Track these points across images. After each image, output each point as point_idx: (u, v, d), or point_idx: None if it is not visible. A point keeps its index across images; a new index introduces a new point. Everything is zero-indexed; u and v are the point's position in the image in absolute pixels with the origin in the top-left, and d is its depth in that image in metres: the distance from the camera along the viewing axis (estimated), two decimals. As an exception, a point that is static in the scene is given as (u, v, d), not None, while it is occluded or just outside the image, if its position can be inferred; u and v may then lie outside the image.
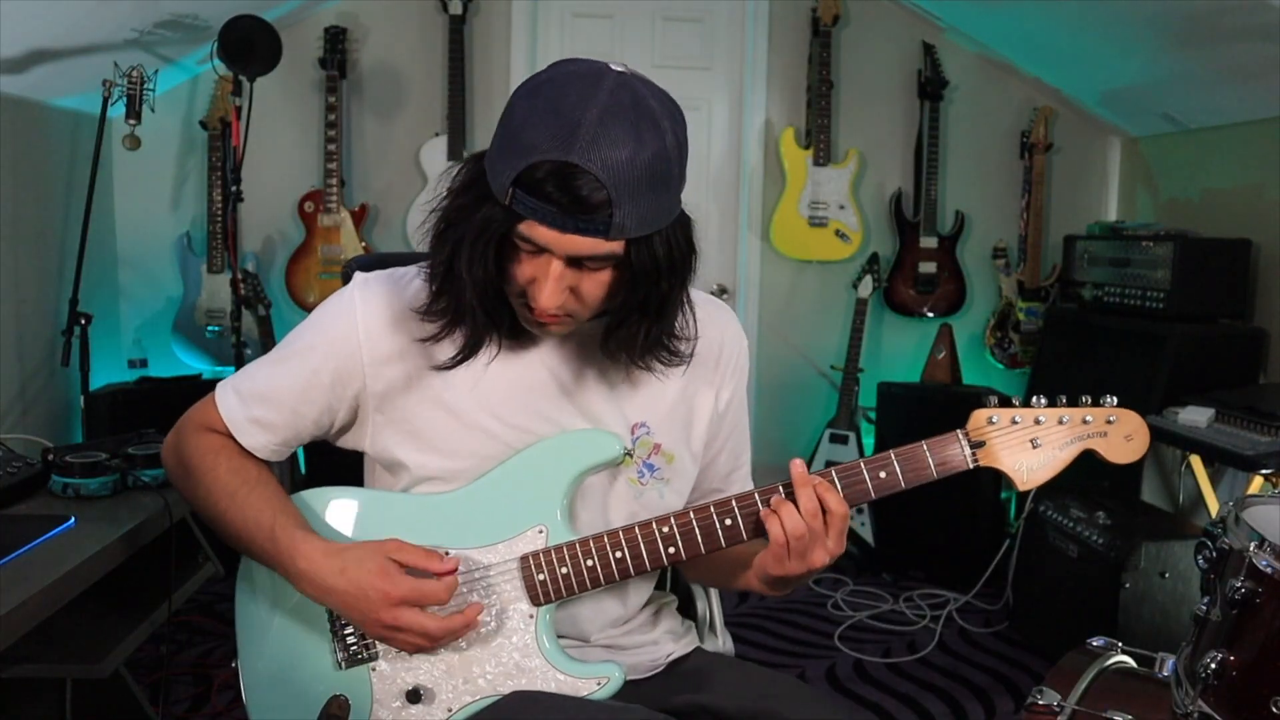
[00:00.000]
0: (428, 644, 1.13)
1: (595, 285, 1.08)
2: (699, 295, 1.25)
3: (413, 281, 1.21)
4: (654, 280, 1.09)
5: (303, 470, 2.88)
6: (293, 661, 1.21)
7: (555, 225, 1.01)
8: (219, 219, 3.47)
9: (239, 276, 3.15)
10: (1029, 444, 1.17)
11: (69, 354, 2.76)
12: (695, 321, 1.19)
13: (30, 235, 2.97)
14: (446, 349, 1.16)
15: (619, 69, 1.04)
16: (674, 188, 1.06)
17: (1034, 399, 1.18)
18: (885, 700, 2.61)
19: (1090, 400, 1.19)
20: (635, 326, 1.13)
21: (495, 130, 1.06)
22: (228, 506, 1.17)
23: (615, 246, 1.04)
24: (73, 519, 1.50)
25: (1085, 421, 1.18)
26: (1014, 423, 1.17)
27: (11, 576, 1.29)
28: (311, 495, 1.23)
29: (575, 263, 1.06)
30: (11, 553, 1.35)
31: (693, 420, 1.28)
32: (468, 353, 1.14)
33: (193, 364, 3.51)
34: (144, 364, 3.49)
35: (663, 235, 1.07)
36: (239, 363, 3.15)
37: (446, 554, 1.16)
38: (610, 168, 0.99)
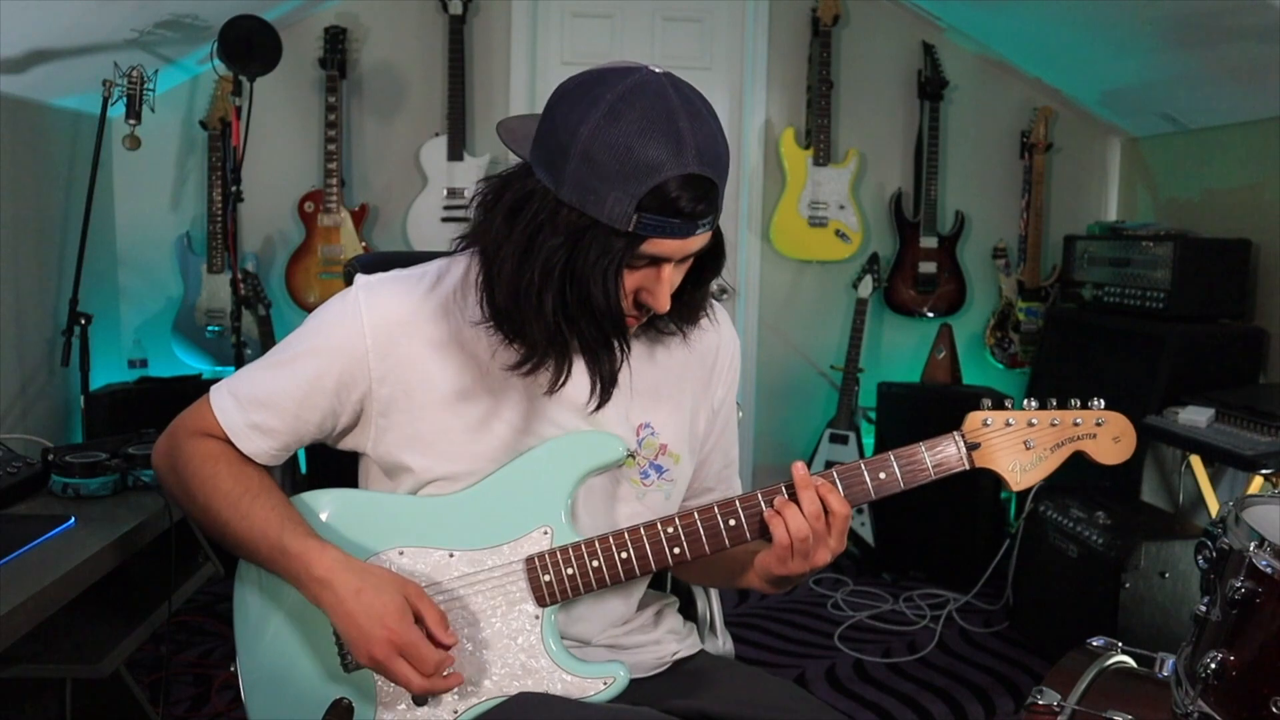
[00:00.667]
0: (403, 687, 1.12)
1: (682, 273, 1.12)
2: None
3: (421, 284, 1.20)
4: (721, 252, 1.16)
5: (303, 471, 2.88)
6: (294, 663, 1.20)
7: (681, 235, 1.04)
8: (219, 219, 3.47)
9: (239, 276, 3.15)
10: (1022, 445, 1.19)
11: (69, 354, 2.76)
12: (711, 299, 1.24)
13: (30, 235, 2.97)
14: (532, 379, 1.15)
15: (656, 69, 1.06)
16: None
17: (1026, 402, 1.21)
18: (885, 700, 2.61)
19: (1080, 403, 1.21)
20: (699, 298, 1.19)
21: (570, 165, 1.02)
22: (231, 515, 1.15)
23: (711, 235, 1.10)
24: (73, 519, 1.51)
25: (1075, 424, 1.20)
26: (1008, 425, 1.19)
27: (11, 576, 1.29)
28: (312, 497, 1.22)
29: (680, 261, 1.09)
30: (11, 553, 1.35)
31: (694, 420, 1.29)
32: (609, 386, 1.14)
33: (193, 364, 3.51)
34: (144, 364, 3.50)
35: None
36: (239, 363, 3.15)
37: (451, 556, 1.16)
38: (715, 163, 1.03)
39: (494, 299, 1.11)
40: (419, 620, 1.10)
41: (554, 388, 1.13)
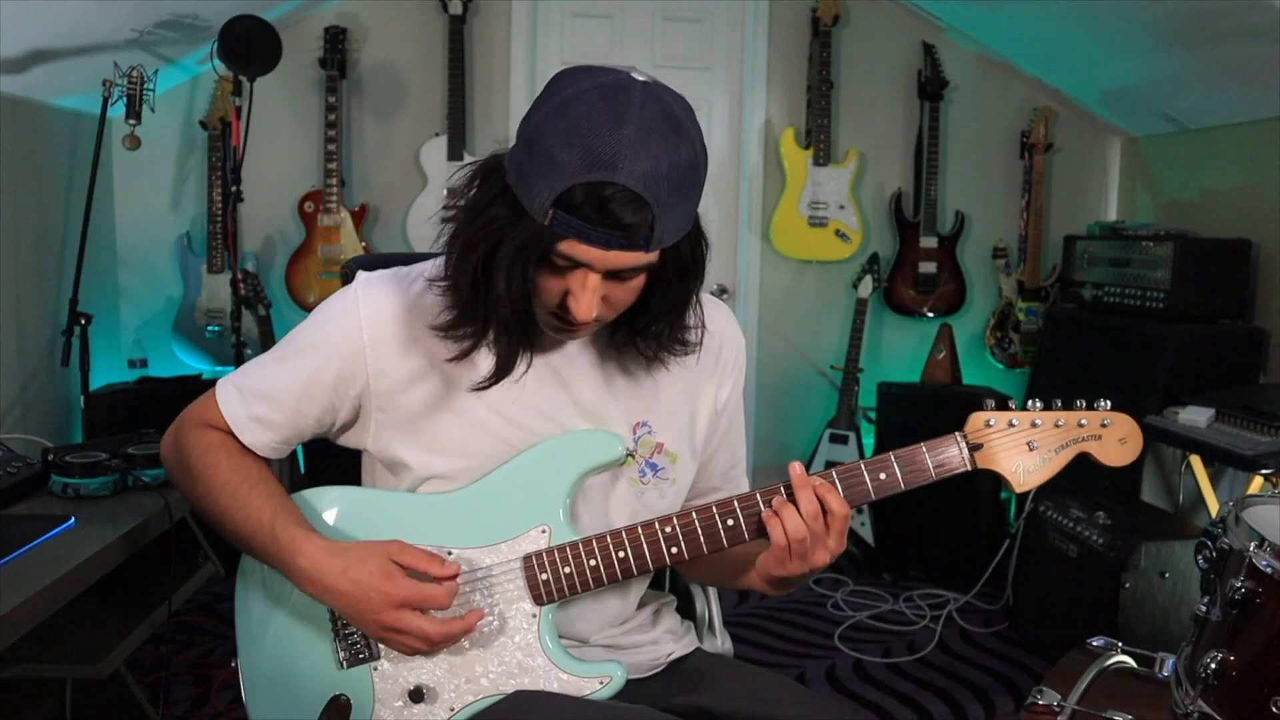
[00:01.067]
0: (426, 647, 1.13)
1: (627, 292, 1.10)
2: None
3: (417, 284, 1.21)
4: (682, 279, 1.12)
5: (302, 469, 2.88)
6: (293, 661, 1.21)
7: (599, 244, 1.02)
8: (219, 219, 3.47)
9: (239, 276, 3.15)
10: (1025, 446, 1.18)
11: (69, 354, 2.76)
12: (702, 310, 1.21)
13: (30, 235, 2.97)
14: (473, 367, 1.16)
15: (642, 78, 1.04)
16: (699, 192, 1.08)
17: (1030, 403, 1.20)
18: (885, 700, 2.61)
19: (1085, 404, 1.20)
20: (663, 324, 1.16)
21: (518, 146, 1.05)
22: (228, 504, 1.17)
23: (652, 256, 1.06)
24: (73, 519, 1.51)
25: (1080, 425, 1.19)
26: (1011, 425, 1.18)
27: (11, 576, 1.30)
28: (313, 494, 1.23)
29: (612, 274, 1.06)
30: (11, 553, 1.36)
31: (694, 419, 1.29)
32: (502, 372, 1.14)
33: (193, 364, 3.51)
34: (144, 364, 3.49)
35: (687, 236, 1.10)
36: (239, 363, 3.15)
37: (449, 554, 1.17)
38: (652, 184, 0.99)
39: (447, 264, 1.13)
40: (412, 574, 1.11)
41: (456, 358, 1.14)
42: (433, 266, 1.22)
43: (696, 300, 1.18)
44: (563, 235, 1.02)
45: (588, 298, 1.06)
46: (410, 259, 1.29)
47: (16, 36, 2.52)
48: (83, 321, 2.78)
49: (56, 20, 2.59)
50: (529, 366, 1.16)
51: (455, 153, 3.57)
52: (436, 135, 3.61)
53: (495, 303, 1.07)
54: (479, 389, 1.16)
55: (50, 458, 1.66)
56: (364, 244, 3.59)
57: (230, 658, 1.29)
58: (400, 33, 3.67)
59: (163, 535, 1.61)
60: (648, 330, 1.16)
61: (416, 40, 3.67)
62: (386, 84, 3.69)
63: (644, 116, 1.00)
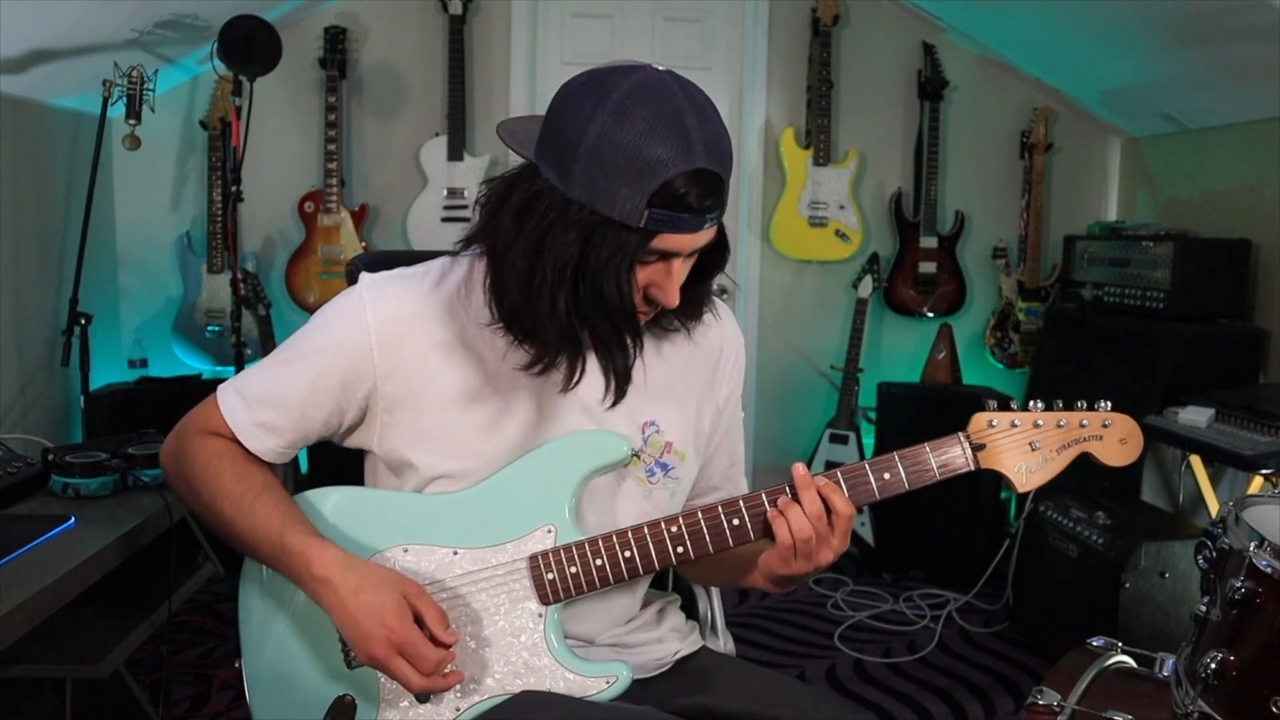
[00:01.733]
0: (402, 684, 1.12)
1: (688, 269, 1.13)
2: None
3: (424, 282, 1.20)
4: (725, 247, 1.17)
5: (304, 470, 2.88)
6: (298, 661, 1.20)
7: (691, 229, 1.05)
8: (219, 219, 3.47)
9: (239, 276, 3.15)
10: (1028, 447, 1.19)
11: (69, 354, 2.76)
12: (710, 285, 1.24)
13: (30, 235, 2.97)
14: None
15: (660, 67, 1.07)
16: None
17: (1032, 403, 1.20)
18: (885, 700, 2.61)
19: (1086, 405, 1.20)
20: (704, 290, 1.20)
21: (580, 161, 1.03)
22: (234, 514, 1.16)
23: (715, 229, 1.11)
24: (73, 519, 1.51)
25: (1081, 425, 1.19)
26: (1013, 426, 1.19)
27: (11, 576, 1.30)
28: (316, 495, 1.23)
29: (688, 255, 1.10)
30: (11, 553, 1.36)
31: (699, 418, 1.30)
32: (623, 382, 1.14)
33: (193, 364, 3.51)
34: (144, 364, 3.49)
35: None
36: (239, 362, 3.15)
37: (455, 554, 1.16)
38: (722, 159, 1.05)
39: (505, 299, 1.11)
40: (419, 620, 1.10)
41: (568, 386, 1.14)
42: (440, 266, 1.22)
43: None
44: (659, 231, 1.04)
45: (674, 284, 1.10)
46: (415, 257, 1.28)
47: (16, 36, 2.52)
48: (83, 321, 2.77)
49: (56, 20, 2.59)
50: (584, 371, 1.15)
51: (455, 153, 3.57)
52: (436, 135, 3.61)
53: (601, 316, 1.07)
54: (611, 408, 1.17)
55: (50, 458, 1.66)
56: (364, 244, 3.59)
57: (231, 658, 1.29)
58: (400, 33, 3.67)
59: (162, 535, 1.61)
60: (692, 301, 1.18)
61: (416, 40, 3.67)
62: (386, 84, 3.68)
63: (691, 102, 1.04)
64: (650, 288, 1.10)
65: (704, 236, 1.08)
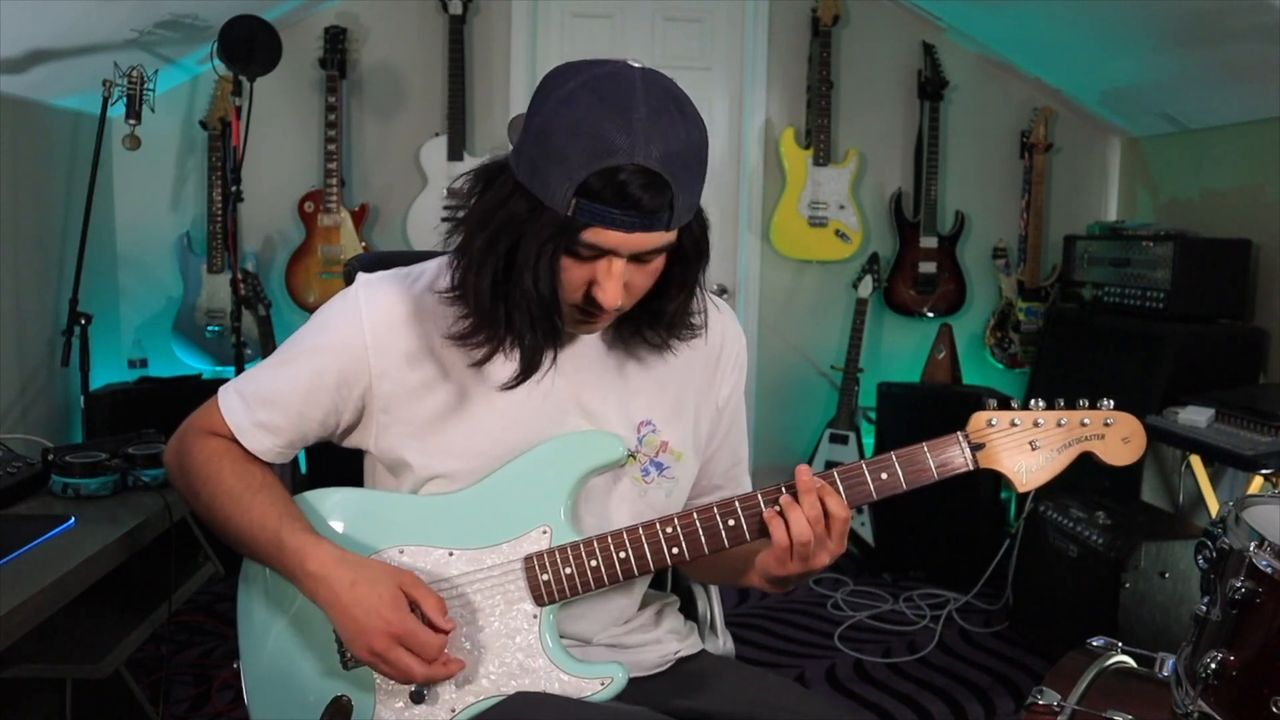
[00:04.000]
0: (404, 681, 1.12)
1: (646, 276, 1.11)
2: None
3: (420, 283, 1.21)
4: (697, 259, 1.14)
5: (304, 470, 2.89)
6: (295, 661, 1.21)
7: (623, 227, 1.02)
8: (219, 219, 3.47)
9: (239, 276, 3.15)
10: (1028, 446, 1.18)
11: (69, 354, 2.76)
12: (704, 295, 1.22)
13: (30, 235, 2.97)
14: (497, 368, 1.15)
15: (638, 65, 1.05)
16: (706, 168, 1.09)
17: (1032, 402, 1.19)
18: (885, 700, 2.61)
19: (1088, 403, 1.19)
20: (677, 305, 1.17)
21: (526, 144, 1.05)
22: (232, 512, 1.17)
23: (672, 236, 1.07)
24: (73, 519, 1.51)
25: (1083, 424, 1.18)
26: (1013, 425, 1.18)
27: (11, 576, 1.30)
28: (315, 496, 1.23)
29: (634, 258, 1.07)
30: (11, 553, 1.36)
31: (697, 417, 1.29)
32: (529, 371, 1.13)
33: (193, 364, 3.51)
34: (144, 364, 3.49)
35: (697, 215, 1.11)
36: (239, 363, 3.15)
37: (450, 555, 1.16)
38: (670, 162, 1.01)
39: (455, 265, 1.12)
40: (415, 608, 1.11)
41: (478, 363, 1.14)
42: (435, 267, 1.22)
43: (704, 279, 1.19)
44: (587, 223, 1.02)
45: (614, 284, 1.06)
46: (413, 258, 1.29)
47: (16, 36, 2.52)
48: (83, 321, 2.78)
49: (56, 20, 2.59)
50: (554, 362, 1.15)
51: (455, 153, 3.57)
52: (436, 135, 3.61)
53: (520, 301, 1.07)
54: (507, 388, 1.15)
55: (50, 458, 1.66)
56: (364, 244, 3.59)
57: (231, 658, 1.29)
58: (400, 33, 3.67)
59: (163, 535, 1.61)
60: (662, 314, 1.17)
61: (416, 40, 3.67)
62: (386, 84, 3.69)
63: (650, 99, 1.01)
64: (591, 285, 1.08)
65: (644, 239, 1.04)
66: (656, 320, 1.18)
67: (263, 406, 1.20)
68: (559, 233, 1.03)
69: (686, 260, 1.13)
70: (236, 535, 1.17)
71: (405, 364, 1.18)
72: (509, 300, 1.08)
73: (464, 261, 1.10)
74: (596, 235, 1.03)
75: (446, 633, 1.11)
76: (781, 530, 1.11)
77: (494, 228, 1.07)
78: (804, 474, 1.13)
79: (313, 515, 1.20)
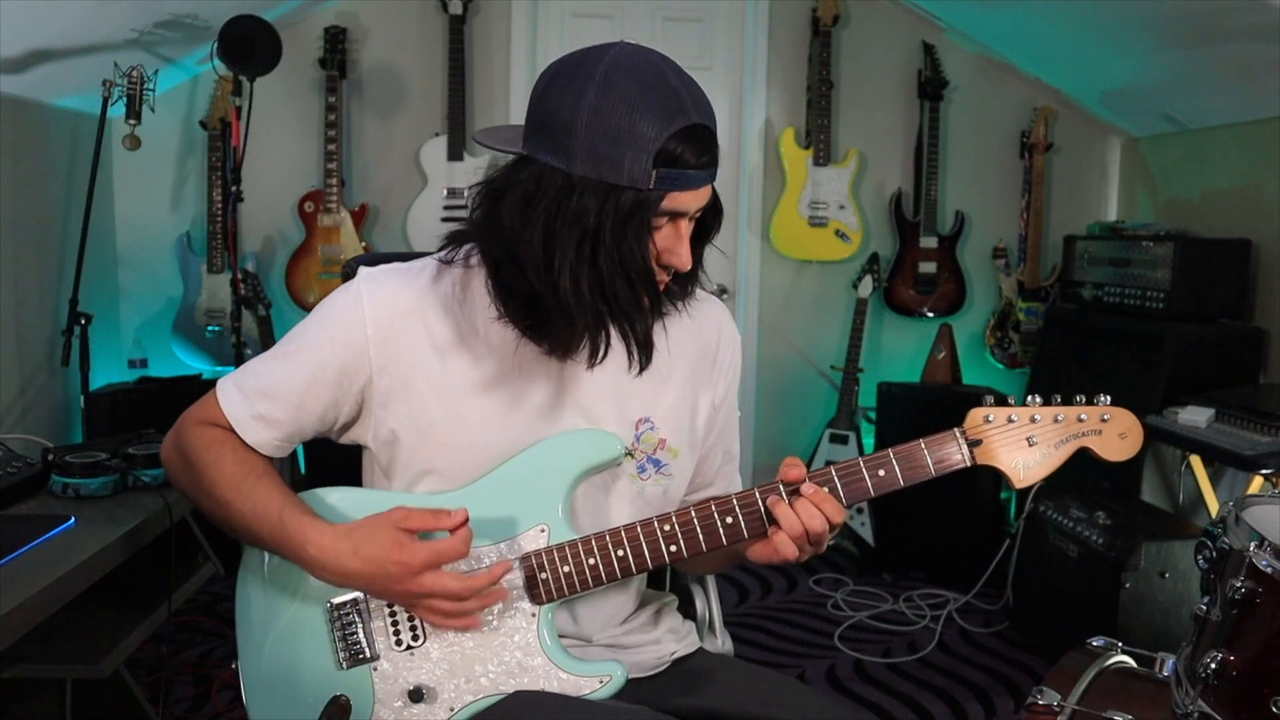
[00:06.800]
0: (456, 607, 1.12)
1: (690, 231, 1.15)
2: (696, 291, 1.28)
3: (421, 276, 1.20)
4: (720, 208, 1.19)
5: (303, 469, 2.89)
6: (293, 662, 1.21)
7: (695, 185, 1.08)
8: (219, 219, 3.47)
9: (239, 276, 3.15)
10: (1025, 442, 1.18)
11: (69, 354, 2.76)
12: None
13: (30, 235, 2.97)
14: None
15: (630, 42, 1.10)
16: None
17: (1029, 398, 1.19)
18: (885, 700, 2.61)
19: (1084, 399, 1.19)
20: (698, 260, 1.20)
21: (575, 139, 1.04)
22: (234, 497, 1.16)
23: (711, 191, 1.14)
24: (73, 519, 1.51)
25: (1080, 420, 1.19)
26: (1010, 421, 1.18)
27: (11, 576, 1.30)
28: (312, 495, 1.23)
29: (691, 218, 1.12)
30: (11, 553, 1.36)
31: (694, 415, 1.30)
32: (646, 351, 1.15)
33: (193, 364, 3.51)
34: (144, 364, 3.50)
35: None
36: (239, 363, 3.15)
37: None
38: (712, 115, 1.09)
39: (520, 289, 1.11)
40: (423, 535, 1.11)
41: (594, 362, 1.15)
42: (436, 260, 1.22)
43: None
44: (666, 190, 1.06)
45: (686, 245, 1.12)
46: (412, 258, 1.29)
47: (16, 36, 2.52)
48: (83, 321, 2.78)
49: (56, 20, 2.59)
50: (609, 344, 1.15)
51: (455, 153, 3.57)
52: (436, 135, 3.61)
53: (621, 289, 1.08)
54: (591, 367, 1.17)
55: (50, 458, 1.66)
56: (364, 244, 3.59)
57: (230, 658, 1.29)
58: (400, 33, 3.67)
59: (163, 535, 1.61)
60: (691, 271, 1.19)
61: (416, 40, 3.67)
62: (386, 84, 3.69)
63: (668, 63, 1.08)
64: (664, 254, 1.12)
65: (706, 193, 1.11)
66: (690, 278, 1.21)
67: (262, 399, 1.20)
68: (640, 208, 1.06)
69: (715, 211, 1.18)
70: (239, 518, 1.17)
71: (406, 359, 1.18)
72: (605, 293, 1.08)
73: (544, 275, 1.08)
74: (672, 201, 1.07)
75: (462, 524, 1.10)
76: (783, 535, 1.13)
77: (572, 230, 1.06)
78: (808, 486, 1.14)
79: (312, 515, 1.20)
